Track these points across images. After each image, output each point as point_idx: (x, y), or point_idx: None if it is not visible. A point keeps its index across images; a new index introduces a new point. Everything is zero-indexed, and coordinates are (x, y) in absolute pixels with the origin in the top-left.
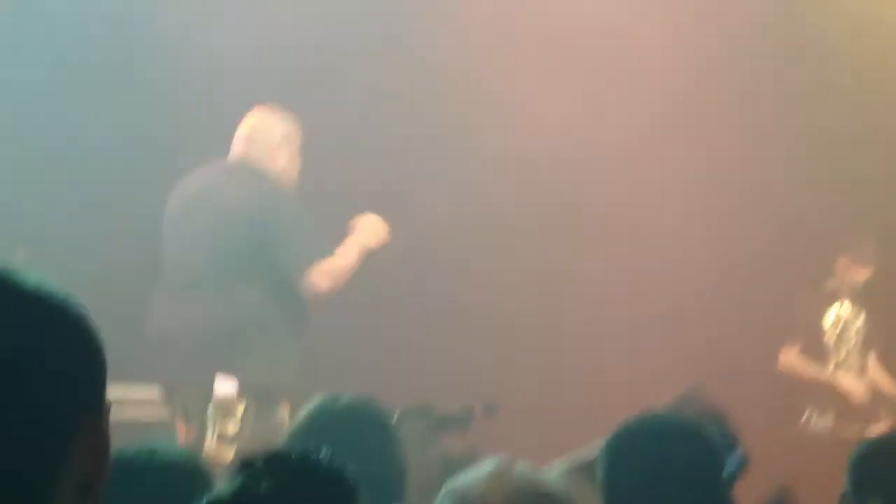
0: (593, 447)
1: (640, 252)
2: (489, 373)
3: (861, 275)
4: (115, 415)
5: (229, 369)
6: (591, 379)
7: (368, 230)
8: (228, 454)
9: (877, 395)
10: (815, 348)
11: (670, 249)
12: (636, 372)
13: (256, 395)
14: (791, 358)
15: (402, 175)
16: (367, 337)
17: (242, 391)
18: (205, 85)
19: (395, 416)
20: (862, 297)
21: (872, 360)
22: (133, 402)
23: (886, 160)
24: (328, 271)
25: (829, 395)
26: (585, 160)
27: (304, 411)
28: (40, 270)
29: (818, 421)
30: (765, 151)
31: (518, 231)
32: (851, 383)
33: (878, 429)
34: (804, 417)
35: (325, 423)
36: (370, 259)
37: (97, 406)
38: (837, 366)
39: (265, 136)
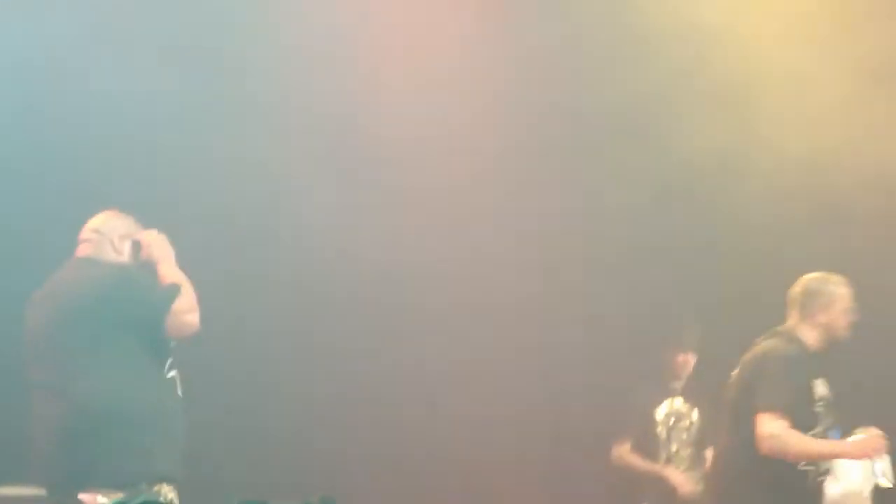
0: None
1: (477, 338)
2: (326, 463)
3: (688, 369)
4: None
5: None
6: (432, 469)
7: (163, 246)
8: None
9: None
10: (649, 442)
11: (502, 339)
12: (481, 460)
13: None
14: (623, 452)
15: None
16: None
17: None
18: None
19: None
20: (693, 392)
21: (709, 455)
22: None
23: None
24: (187, 304)
25: (665, 489)
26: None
27: None
28: None
29: None
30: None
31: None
32: (680, 478)
33: None
34: None
35: None
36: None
37: None
38: (668, 460)
39: (109, 232)
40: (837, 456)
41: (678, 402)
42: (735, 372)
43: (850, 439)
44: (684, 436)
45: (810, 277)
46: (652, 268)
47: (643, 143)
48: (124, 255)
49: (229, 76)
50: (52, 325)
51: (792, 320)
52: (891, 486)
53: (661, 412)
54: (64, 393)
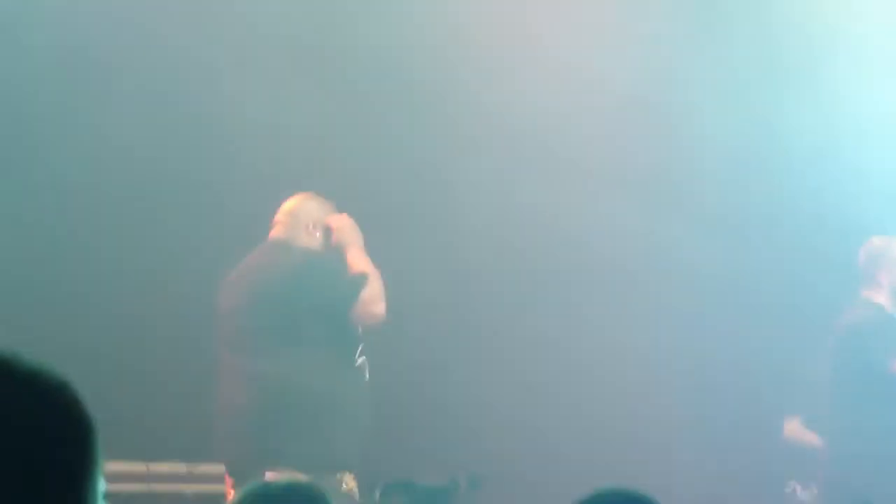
0: None
1: (626, 317)
2: (471, 443)
3: None
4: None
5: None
6: (576, 448)
7: (352, 232)
8: None
9: None
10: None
11: (662, 313)
12: (623, 438)
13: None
14: (794, 427)
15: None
16: None
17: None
18: None
19: (378, 491)
20: None
21: None
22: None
23: None
24: (374, 293)
25: (814, 468)
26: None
27: (237, 496)
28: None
29: (802, 493)
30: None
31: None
32: None
33: None
34: (789, 489)
35: None
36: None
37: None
38: None
39: (303, 216)
40: None
41: None
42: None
43: None
44: None
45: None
46: None
47: None
48: (316, 239)
49: None
50: (244, 308)
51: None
52: None
53: None
54: (256, 375)
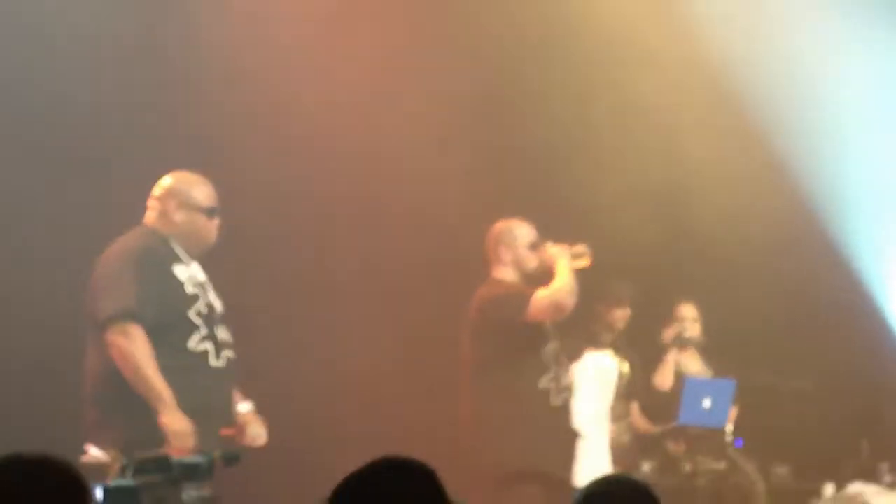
0: None
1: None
2: None
3: (621, 321)
4: None
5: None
6: (345, 415)
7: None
8: None
9: (639, 442)
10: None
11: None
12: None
13: None
14: None
15: None
16: None
17: None
18: None
19: (131, 468)
20: (623, 346)
21: (634, 409)
22: None
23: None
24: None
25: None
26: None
27: None
28: None
29: None
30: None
31: None
32: (614, 430)
33: (638, 475)
34: None
35: None
36: None
37: None
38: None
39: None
40: None
41: (607, 355)
42: None
43: None
44: (614, 387)
45: None
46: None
47: None
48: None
49: None
50: None
51: None
52: None
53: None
54: None
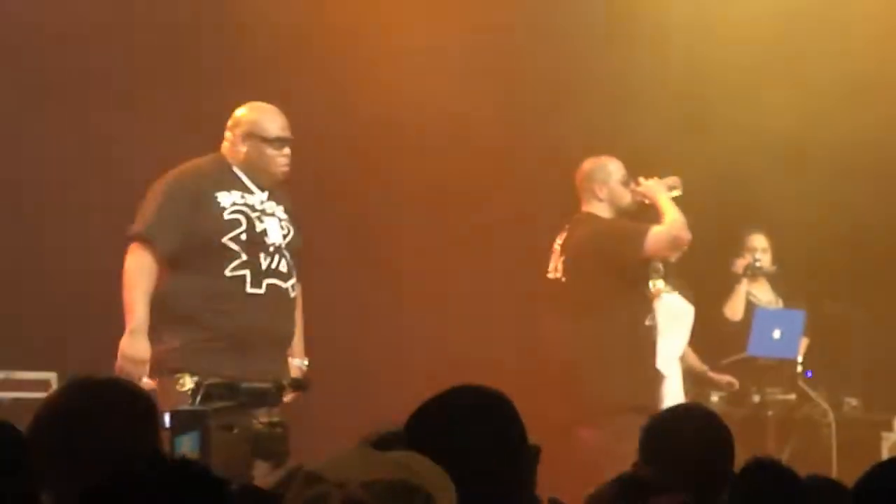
0: None
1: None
2: None
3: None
4: None
5: None
6: (398, 356)
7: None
8: None
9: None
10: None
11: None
12: (448, 353)
13: None
14: None
15: None
16: None
17: None
18: None
19: (201, 392)
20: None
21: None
22: None
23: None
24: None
25: None
26: None
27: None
28: None
29: None
30: None
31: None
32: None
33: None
34: None
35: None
36: None
37: None
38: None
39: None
40: None
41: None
42: None
43: None
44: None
45: None
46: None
47: None
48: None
49: None
50: None
51: None
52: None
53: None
54: None
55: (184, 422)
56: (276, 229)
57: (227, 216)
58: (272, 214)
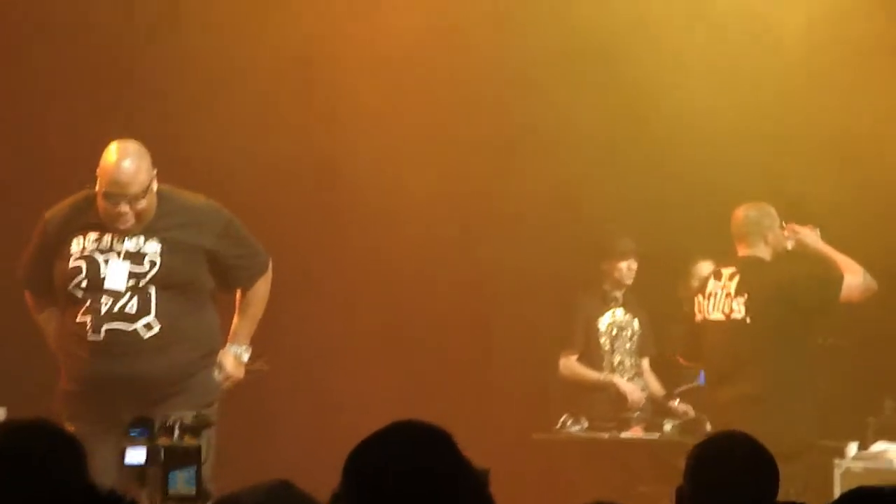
0: None
1: (398, 259)
2: None
3: (628, 277)
4: None
5: None
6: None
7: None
8: None
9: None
10: (593, 354)
11: (438, 255)
12: (378, 383)
13: None
14: (570, 363)
15: None
16: None
17: None
18: None
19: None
20: (633, 303)
21: (645, 365)
22: None
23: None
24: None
25: (584, 402)
26: None
27: None
28: None
29: (572, 425)
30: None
31: None
32: (629, 386)
33: (636, 431)
34: (559, 423)
35: None
36: None
37: None
38: (612, 370)
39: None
40: None
41: (619, 313)
42: None
43: None
44: (627, 345)
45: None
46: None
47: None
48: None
49: None
50: None
51: None
52: None
53: (603, 322)
54: None
55: (178, 458)
56: (120, 272)
57: (71, 264)
58: (133, 252)
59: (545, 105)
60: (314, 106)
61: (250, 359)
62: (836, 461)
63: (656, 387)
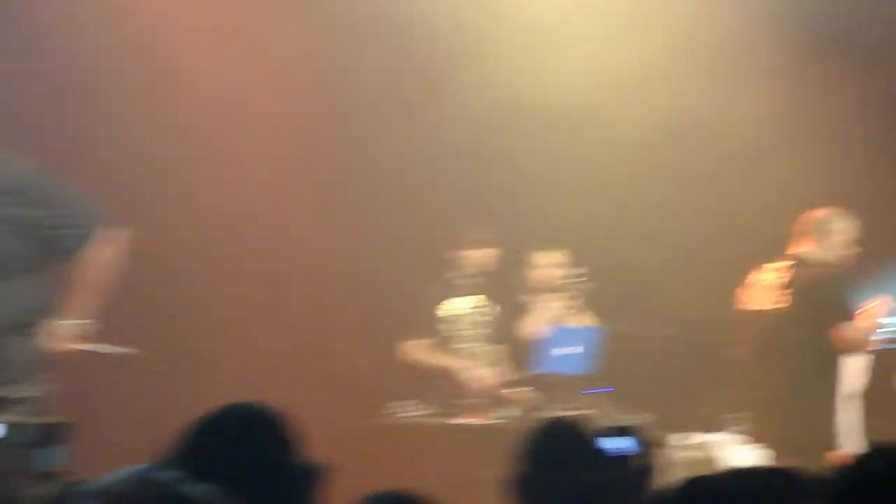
0: None
1: (250, 244)
2: None
3: (483, 264)
4: None
5: None
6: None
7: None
8: None
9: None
10: (442, 339)
11: (280, 242)
12: (222, 368)
13: None
14: (420, 349)
15: None
16: None
17: None
18: None
19: None
20: (488, 289)
21: (500, 352)
22: None
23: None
24: None
25: (431, 387)
26: None
27: None
28: None
29: (412, 410)
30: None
31: None
32: (476, 373)
33: (480, 417)
34: (400, 408)
35: None
36: None
37: None
38: (467, 356)
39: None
40: None
41: (471, 300)
42: None
43: None
44: (478, 332)
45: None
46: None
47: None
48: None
49: None
50: None
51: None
52: None
53: (455, 309)
54: None
55: (47, 435)
56: None
57: None
58: None
59: (390, 98)
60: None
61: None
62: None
63: (503, 374)
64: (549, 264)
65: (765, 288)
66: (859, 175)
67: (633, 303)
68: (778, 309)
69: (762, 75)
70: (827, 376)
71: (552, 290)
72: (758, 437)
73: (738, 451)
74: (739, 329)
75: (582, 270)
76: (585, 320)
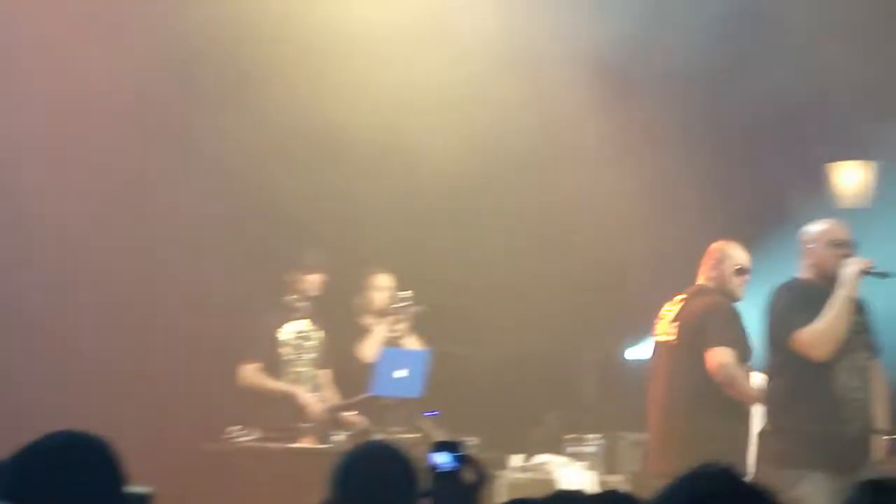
0: None
1: (84, 264)
2: None
3: (313, 289)
4: None
5: None
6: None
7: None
8: None
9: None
10: (274, 364)
11: (115, 265)
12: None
13: None
14: (250, 373)
15: None
16: None
17: None
18: None
19: None
20: (318, 314)
21: (325, 376)
22: None
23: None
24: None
25: (258, 411)
26: None
27: None
28: None
29: (242, 435)
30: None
31: None
32: (309, 397)
33: (308, 441)
34: (229, 433)
35: None
36: None
37: None
38: (294, 380)
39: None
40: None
41: (304, 324)
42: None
43: None
44: (309, 356)
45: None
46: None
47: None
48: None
49: None
50: None
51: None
52: None
53: (287, 333)
54: None
55: None
56: None
57: None
58: None
59: (237, 112)
60: None
61: None
62: (498, 472)
63: (334, 398)
64: (378, 287)
65: (665, 320)
66: (677, 194)
67: (460, 326)
68: (669, 340)
69: (579, 107)
70: (724, 404)
71: (382, 313)
72: (655, 465)
73: (571, 474)
74: (649, 360)
75: (407, 294)
76: (413, 343)
